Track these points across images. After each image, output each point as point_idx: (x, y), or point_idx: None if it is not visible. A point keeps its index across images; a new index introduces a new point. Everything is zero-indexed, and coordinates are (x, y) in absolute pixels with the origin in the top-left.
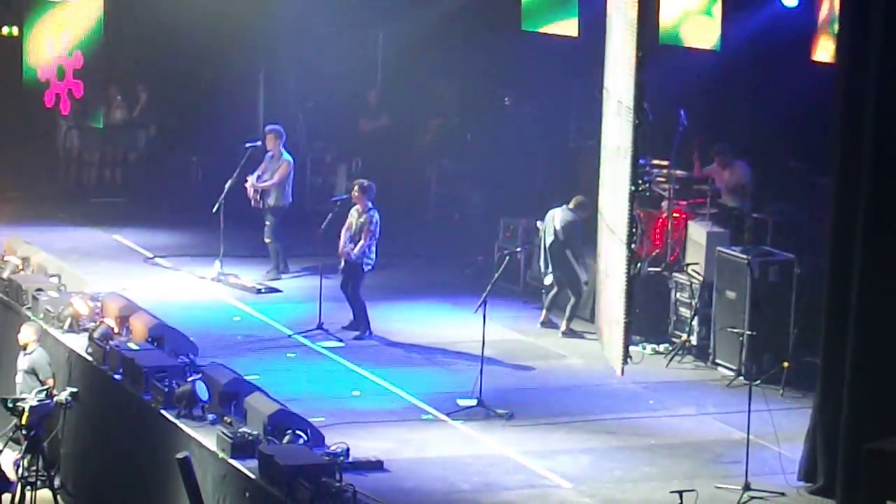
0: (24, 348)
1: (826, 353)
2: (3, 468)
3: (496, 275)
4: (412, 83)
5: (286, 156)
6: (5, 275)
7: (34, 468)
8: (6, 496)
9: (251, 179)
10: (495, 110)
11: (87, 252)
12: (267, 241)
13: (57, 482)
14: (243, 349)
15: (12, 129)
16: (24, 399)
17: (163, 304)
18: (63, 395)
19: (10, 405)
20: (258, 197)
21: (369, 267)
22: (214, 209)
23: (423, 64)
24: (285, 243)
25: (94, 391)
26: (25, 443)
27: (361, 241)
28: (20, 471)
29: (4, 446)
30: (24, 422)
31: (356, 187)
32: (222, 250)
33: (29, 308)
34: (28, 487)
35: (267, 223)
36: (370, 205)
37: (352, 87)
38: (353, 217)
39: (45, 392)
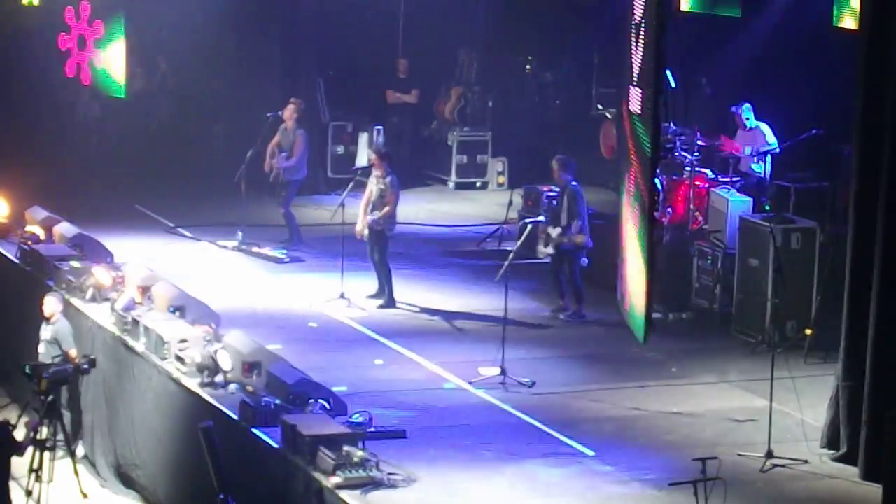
0: (48, 319)
1: (849, 320)
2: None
3: (518, 243)
4: (433, 51)
5: (301, 129)
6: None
7: (54, 434)
8: (20, 460)
9: (274, 160)
10: (516, 78)
11: (108, 222)
12: (282, 211)
13: (81, 451)
14: (265, 319)
15: (33, 99)
16: (41, 365)
17: (185, 274)
18: (80, 360)
19: (29, 371)
20: (277, 169)
21: (391, 231)
22: (236, 179)
23: (444, 32)
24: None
25: (117, 361)
26: (44, 408)
27: (387, 208)
28: (36, 436)
29: (24, 412)
30: (42, 387)
31: (375, 154)
32: (244, 220)
33: (51, 278)
34: (47, 453)
35: (283, 194)
36: (389, 170)
37: (373, 55)
38: (373, 184)
39: (60, 357)
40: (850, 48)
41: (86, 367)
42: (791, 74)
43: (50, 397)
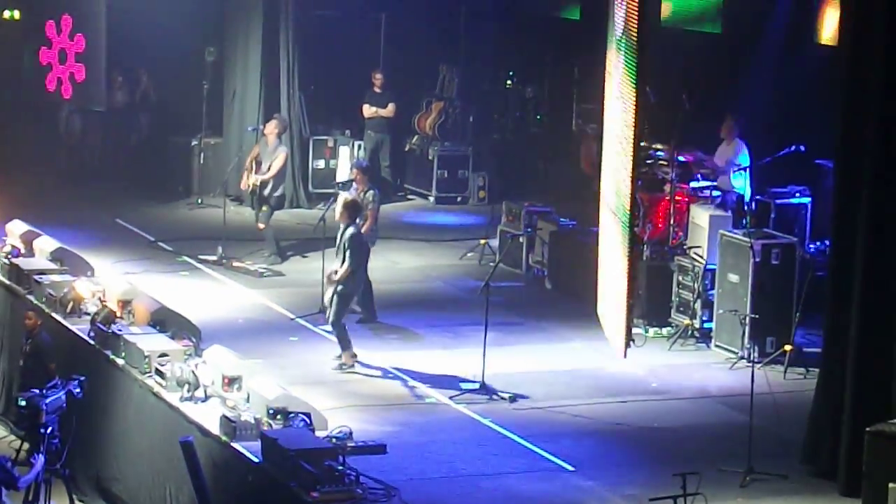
0: (29, 333)
1: (828, 335)
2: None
3: (499, 258)
4: (414, 66)
5: (282, 146)
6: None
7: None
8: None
9: (253, 177)
10: (497, 93)
11: (89, 236)
12: (261, 226)
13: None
14: (246, 333)
15: (14, 113)
16: (35, 396)
17: (165, 288)
18: (72, 386)
19: (24, 403)
20: (254, 184)
21: (372, 244)
22: (216, 192)
23: (426, 46)
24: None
25: (96, 375)
26: (45, 441)
27: (368, 221)
28: (38, 477)
29: (22, 446)
30: (40, 420)
31: (355, 168)
32: (224, 234)
33: (31, 292)
34: (43, 484)
35: (263, 209)
36: (370, 184)
37: (354, 70)
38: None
39: (54, 384)
40: (831, 63)
41: (78, 391)
42: (771, 90)
43: (49, 429)
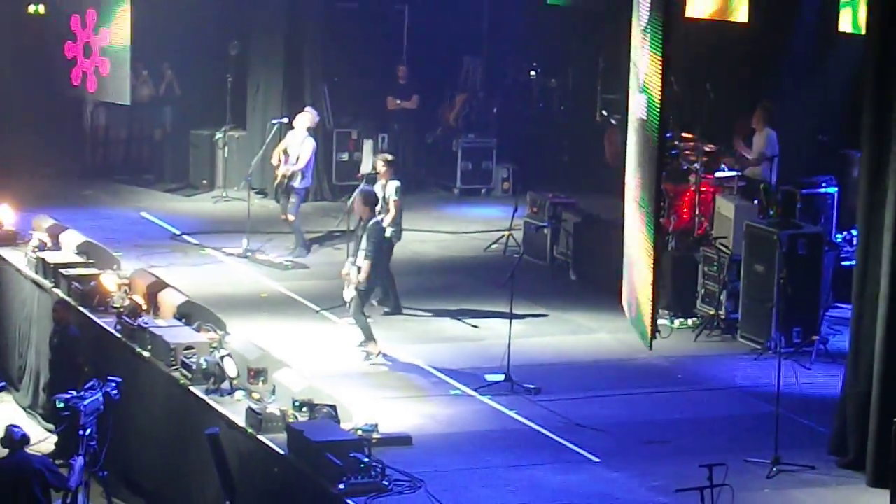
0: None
1: (856, 325)
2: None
3: (522, 250)
4: (437, 58)
5: (310, 138)
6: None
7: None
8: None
9: (282, 167)
10: (521, 85)
11: (114, 229)
12: (291, 218)
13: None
14: (270, 325)
15: (39, 107)
16: (74, 398)
17: (190, 281)
18: (109, 388)
19: (62, 405)
20: (282, 176)
21: (398, 238)
22: (241, 185)
23: (449, 38)
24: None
25: (122, 368)
26: (84, 443)
27: (392, 213)
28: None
29: (59, 449)
30: (79, 421)
31: (381, 161)
32: (249, 227)
33: (57, 286)
34: (82, 486)
35: (290, 202)
36: (393, 176)
37: (378, 62)
38: (377, 191)
39: (91, 385)
40: (857, 53)
41: (115, 393)
42: (798, 80)
43: (88, 430)
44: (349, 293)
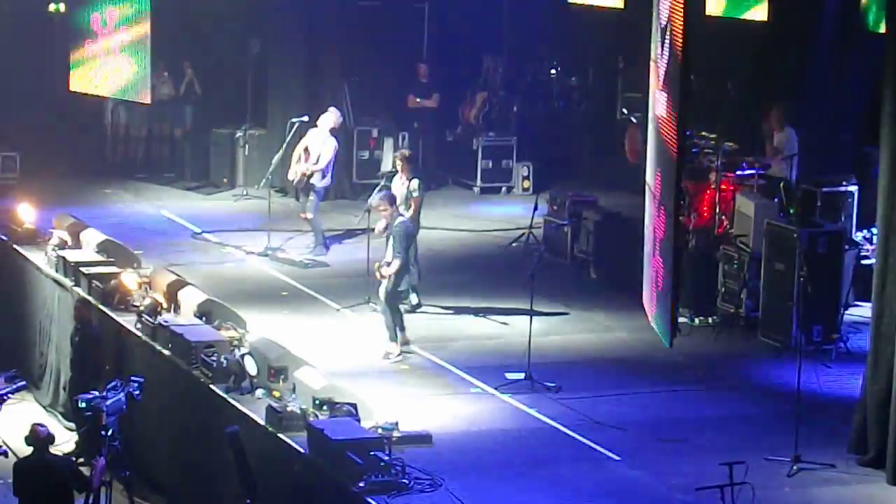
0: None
1: (876, 324)
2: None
3: (542, 248)
4: (458, 56)
5: (332, 137)
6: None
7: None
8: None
9: (302, 165)
10: (541, 83)
11: (134, 227)
12: (309, 216)
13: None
14: (291, 324)
15: (60, 106)
16: (96, 398)
17: (210, 279)
18: (132, 388)
19: (84, 405)
20: (303, 175)
21: (417, 234)
22: (261, 184)
23: (469, 37)
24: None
25: (143, 367)
26: (106, 444)
27: (412, 209)
28: (103, 477)
29: (80, 448)
30: (102, 422)
31: (399, 157)
32: (269, 225)
33: (78, 284)
34: (103, 487)
35: (310, 200)
36: (414, 173)
37: (398, 60)
38: (397, 187)
39: (114, 385)
40: (878, 51)
41: (137, 393)
42: (818, 78)
43: (110, 431)
44: (383, 291)
